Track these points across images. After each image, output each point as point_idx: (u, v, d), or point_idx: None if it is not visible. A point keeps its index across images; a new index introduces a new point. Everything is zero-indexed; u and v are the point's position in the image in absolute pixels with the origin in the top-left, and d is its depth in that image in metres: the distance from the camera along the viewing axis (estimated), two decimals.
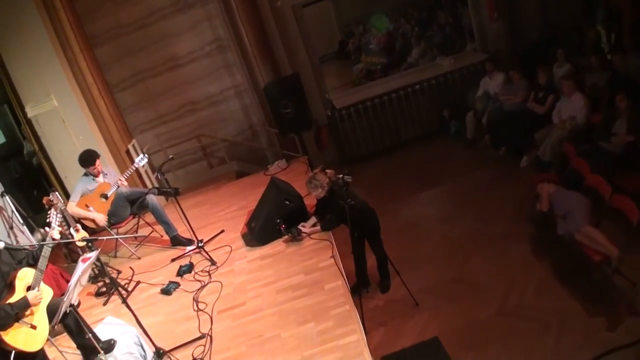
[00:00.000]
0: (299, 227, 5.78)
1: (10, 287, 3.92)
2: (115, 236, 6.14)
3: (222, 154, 9.57)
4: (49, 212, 4.51)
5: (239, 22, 8.83)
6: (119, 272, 6.32)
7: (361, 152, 9.69)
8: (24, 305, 3.85)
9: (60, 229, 4.36)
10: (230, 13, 8.87)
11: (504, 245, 6.46)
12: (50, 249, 4.09)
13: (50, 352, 4.44)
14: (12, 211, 6.59)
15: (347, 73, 13.70)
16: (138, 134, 9.20)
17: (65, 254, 7.04)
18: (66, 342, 5.19)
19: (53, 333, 5.27)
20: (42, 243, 4.14)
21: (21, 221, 6.63)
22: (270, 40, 9.07)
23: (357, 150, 9.67)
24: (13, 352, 3.75)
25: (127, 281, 6.10)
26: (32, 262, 4.15)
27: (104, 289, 6.11)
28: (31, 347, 3.84)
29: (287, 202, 5.88)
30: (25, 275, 3.97)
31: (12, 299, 3.85)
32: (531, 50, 9.30)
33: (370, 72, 12.67)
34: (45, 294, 4.07)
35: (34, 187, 8.86)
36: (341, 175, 5.32)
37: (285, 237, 5.88)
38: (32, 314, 3.93)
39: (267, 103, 8.39)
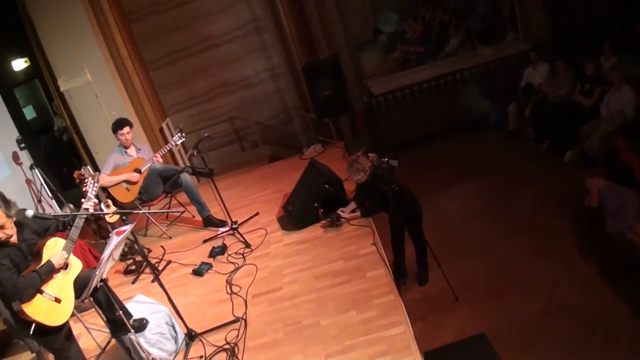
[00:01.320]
0: (338, 212, 5.48)
1: (37, 256, 3.68)
2: (148, 211, 5.91)
3: (255, 137, 9.30)
4: (85, 181, 4.24)
5: (278, 2, 8.53)
6: (149, 250, 6.11)
7: (397, 140, 9.33)
8: (49, 268, 3.59)
9: (95, 200, 4.10)
10: None
11: (548, 241, 6.10)
12: (82, 220, 3.86)
13: (75, 327, 4.27)
14: (42, 184, 6.39)
15: (383, 61, 13.31)
16: (171, 114, 8.98)
17: (95, 230, 6.85)
18: (92, 318, 5.03)
19: (80, 309, 5.09)
20: (75, 213, 3.89)
21: (50, 195, 6.43)
22: (309, 22, 8.76)
23: (393, 138, 9.33)
24: (33, 324, 3.50)
25: (158, 260, 5.88)
26: (62, 229, 3.94)
27: (133, 267, 5.91)
28: (53, 320, 3.59)
29: (326, 186, 5.59)
30: (55, 245, 3.73)
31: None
32: (577, 41, 8.87)
33: (406, 61, 12.28)
34: (75, 266, 3.86)
35: (64, 163, 8.70)
36: (386, 159, 5.02)
37: (323, 222, 5.59)
38: (57, 286, 3.69)
39: (304, 86, 8.11)
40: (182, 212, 6.51)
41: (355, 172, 5.29)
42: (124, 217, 3.98)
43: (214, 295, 5.02)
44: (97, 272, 3.62)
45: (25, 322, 3.50)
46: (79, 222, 3.81)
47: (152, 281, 5.56)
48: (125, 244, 6.32)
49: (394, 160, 5.00)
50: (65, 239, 3.77)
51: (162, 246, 6.22)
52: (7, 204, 3.59)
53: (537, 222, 6.52)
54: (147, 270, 5.82)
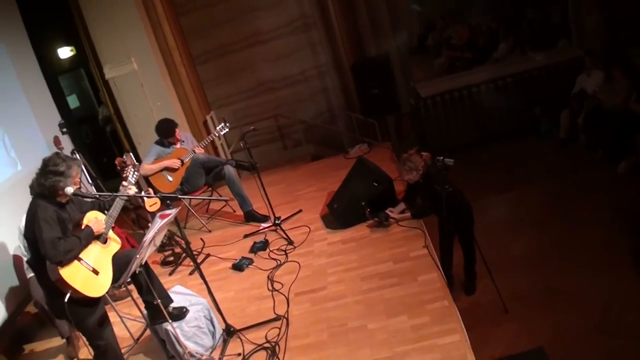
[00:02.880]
0: (387, 211, 5.14)
1: (78, 227, 3.57)
2: (191, 197, 5.68)
3: (299, 135, 9.03)
4: (125, 169, 4.06)
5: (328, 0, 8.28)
6: (188, 242, 5.83)
7: (444, 144, 8.92)
8: (89, 234, 3.52)
9: (134, 187, 3.91)
10: None
11: (603, 254, 5.63)
12: (123, 202, 3.77)
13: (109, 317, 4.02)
14: (82, 170, 6.19)
15: (427, 67, 12.94)
16: (215, 109, 8.77)
17: (134, 220, 6.66)
18: (126, 308, 4.82)
19: (114, 297, 4.90)
20: (115, 194, 3.74)
21: (90, 181, 6.24)
22: (358, 21, 8.48)
23: (439, 142, 8.93)
24: (68, 293, 3.33)
25: (197, 253, 5.64)
26: (103, 210, 3.82)
27: (171, 258, 5.69)
28: (90, 291, 3.44)
29: (375, 184, 5.26)
30: (94, 216, 3.64)
31: None
32: (633, 47, 8.40)
33: (453, 66, 11.87)
34: (113, 242, 3.73)
35: (104, 153, 8.58)
36: (441, 158, 4.65)
37: (370, 221, 5.27)
38: (95, 257, 3.56)
39: (350, 85, 7.85)
40: (227, 201, 6.24)
41: (408, 171, 4.97)
42: (168, 202, 3.74)
43: (254, 292, 4.75)
44: (137, 256, 3.38)
45: (60, 293, 3.35)
46: (120, 202, 3.72)
47: (190, 274, 5.35)
48: (165, 235, 6.12)
49: (450, 159, 4.63)
50: None
51: (201, 238, 6.00)
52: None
53: (590, 234, 6.05)
54: (185, 262, 5.60)
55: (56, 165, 3.43)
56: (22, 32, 6.32)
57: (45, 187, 3.42)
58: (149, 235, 3.39)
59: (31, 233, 3.38)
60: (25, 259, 4.69)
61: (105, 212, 3.76)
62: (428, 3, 14.57)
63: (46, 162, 3.48)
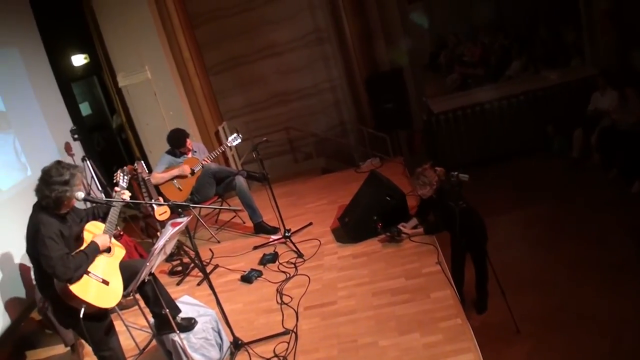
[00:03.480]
0: (399, 226, 5.04)
1: (79, 239, 3.47)
2: (202, 206, 5.60)
3: (310, 149, 8.97)
4: (115, 174, 3.96)
5: (342, 13, 8.25)
6: (197, 252, 5.74)
7: (455, 161, 8.80)
8: (94, 249, 3.40)
9: (129, 193, 3.82)
10: (334, 2, 8.29)
11: (616, 276, 5.50)
12: (120, 208, 3.68)
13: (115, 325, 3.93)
14: (92, 177, 6.17)
15: (439, 84, 12.88)
16: (227, 120, 8.73)
17: (142, 229, 6.58)
18: (132, 317, 4.73)
19: (121, 306, 4.80)
20: (111, 199, 3.69)
21: (100, 188, 6.18)
22: (372, 35, 8.43)
23: (451, 158, 8.82)
24: (83, 308, 3.24)
25: (205, 263, 5.54)
26: (98, 217, 3.74)
27: (179, 268, 5.59)
28: (104, 302, 3.36)
29: (388, 198, 5.16)
30: (93, 227, 3.56)
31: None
32: None
33: (464, 84, 11.80)
34: (117, 250, 3.64)
35: (115, 162, 8.52)
36: (455, 173, 4.56)
37: (382, 236, 5.15)
38: (103, 268, 3.47)
39: (362, 99, 7.80)
40: (237, 211, 6.16)
41: (421, 186, 4.88)
42: (179, 210, 3.66)
43: (263, 304, 4.64)
44: (147, 264, 3.30)
45: (71, 309, 3.27)
46: (117, 208, 3.63)
47: (198, 284, 5.26)
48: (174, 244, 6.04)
49: (465, 174, 4.53)
50: None
51: (210, 249, 5.91)
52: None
53: (603, 255, 5.92)
54: (193, 272, 5.51)
55: (60, 175, 3.28)
56: (36, 36, 6.31)
57: (51, 199, 3.27)
58: (159, 243, 3.31)
59: (34, 249, 3.26)
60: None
61: (101, 220, 3.68)
62: (440, 20, 14.66)
63: (48, 172, 3.31)
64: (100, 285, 3.37)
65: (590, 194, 7.35)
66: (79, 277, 3.25)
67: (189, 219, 3.53)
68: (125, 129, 7.77)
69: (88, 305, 3.24)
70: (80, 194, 3.36)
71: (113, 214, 3.62)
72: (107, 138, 9.00)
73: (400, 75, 7.18)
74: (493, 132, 8.76)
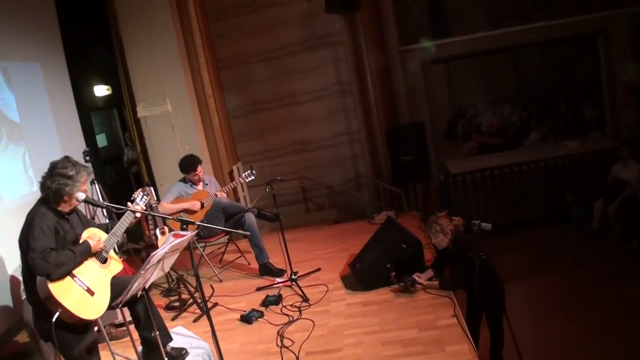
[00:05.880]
0: (414, 276, 4.63)
1: (75, 243, 3.17)
2: (206, 224, 5.20)
3: (323, 200, 8.68)
4: (135, 191, 3.68)
5: (366, 68, 8.17)
6: (196, 289, 5.34)
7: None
8: (85, 249, 3.10)
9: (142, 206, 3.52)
10: (359, 58, 8.22)
11: (638, 348, 5.06)
12: (129, 221, 3.34)
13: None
14: (99, 199, 5.86)
15: (456, 152, 12.68)
16: (243, 164, 8.49)
17: (143, 259, 6.17)
18: (120, 348, 4.30)
19: (111, 336, 4.39)
20: (110, 205, 3.42)
21: (105, 214, 5.86)
22: (394, 92, 8.28)
23: (467, 221, 8.47)
24: (58, 312, 2.90)
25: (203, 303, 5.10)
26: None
27: (176, 304, 5.16)
28: (82, 312, 2.99)
29: (404, 246, 4.77)
30: (93, 234, 3.24)
31: None
32: None
33: (482, 151, 11.56)
34: (114, 263, 3.30)
35: (125, 195, 8.25)
36: (477, 222, 4.18)
37: (395, 286, 4.73)
38: (92, 277, 3.14)
39: (380, 154, 7.62)
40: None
41: (434, 234, 4.54)
42: (184, 226, 3.32)
43: (261, 346, 4.19)
44: (141, 272, 2.92)
45: (49, 312, 2.93)
46: (126, 221, 3.29)
47: (194, 321, 4.83)
48: (172, 279, 5.64)
49: (487, 224, 4.15)
50: None
51: (211, 285, 5.50)
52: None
53: (625, 328, 5.48)
54: (190, 309, 5.08)
55: (65, 168, 3.12)
56: (61, 55, 6.19)
57: (51, 190, 3.09)
58: (159, 252, 2.94)
59: (24, 240, 3.03)
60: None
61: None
62: (458, 87, 14.64)
63: (55, 165, 3.17)
64: (83, 293, 3.02)
65: (611, 265, 7.00)
66: (60, 276, 2.95)
67: (193, 233, 3.18)
68: (138, 161, 7.52)
69: (64, 310, 2.90)
70: (81, 195, 3.14)
71: (120, 226, 3.34)
72: (119, 171, 8.78)
73: (421, 128, 6.96)
74: (510, 198, 8.47)
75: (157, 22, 6.86)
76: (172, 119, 6.96)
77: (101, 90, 8.36)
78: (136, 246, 6.56)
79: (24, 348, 4.52)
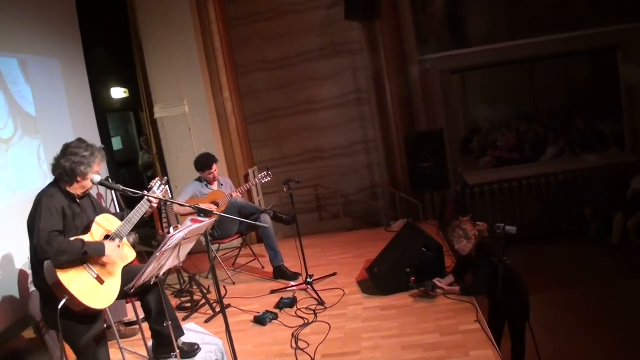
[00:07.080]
0: (435, 281, 4.42)
1: (86, 229, 3.02)
2: (221, 214, 5.11)
3: (337, 209, 8.49)
4: (153, 180, 3.57)
5: (385, 77, 8.01)
6: (208, 290, 5.17)
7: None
8: (97, 250, 2.90)
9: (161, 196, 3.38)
10: (378, 66, 8.09)
11: None
12: (145, 209, 3.26)
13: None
14: (112, 199, 5.73)
15: (470, 168, 12.45)
16: (259, 168, 8.36)
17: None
18: (129, 345, 4.13)
19: (121, 334, 4.23)
20: (126, 189, 3.24)
21: (118, 211, 5.72)
22: (413, 101, 8.12)
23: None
24: (64, 299, 2.74)
25: (216, 301, 4.92)
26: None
27: (188, 305, 4.99)
28: (89, 300, 2.81)
29: (424, 249, 4.57)
30: (105, 220, 3.12)
31: (86, 238, 2.94)
32: None
33: (499, 165, 11.32)
34: (127, 250, 3.15)
35: (137, 199, 8.11)
36: (502, 225, 3.98)
37: (414, 291, 4.53)
38: (104, 265, 2.97)
39: (396, 163, 7.50)
40: (252, 261, 5.60)
41: (457, 239, 4.35)
42: (201, 215, 3.17)
43: (275, 348, 4.01)
44: (157, 254, 2.74)
45: (55, 299, 2.76)
46: (142, 208, 3.19)
47: (206, 321, 4.66)
48: (184, 280, 5.48)
49: (512, 227, 3.95)
50: None
51: (224, 286, 5.33)
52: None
53: None
54: (202, 310, 4.91)
55: (79, 148, 3.01)
56: (80, 53, 6.08)
57: (65, 170, 2.95)
58: (177, 234, 2.76)
59: (31, 220, 2.89)
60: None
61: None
62: (473, 102, 14.43)
63: (69, 145, 3.06)
64: (92, 281, 2.87)
65: (632, 280, 6.69)
66: (61, 262, 2.77)
67: (211, 221, 3.02)
68: (154, 163, 7.38)
69: (71, 297, 2.73)
70: (97, 177, 3.03)
71: (135, 214, 3.22)
72: (134, 175, 8.64)
73: (441, 135, 6.77)
74: (528, 210, 8.22)
75: (177, 23, 6.78)
76: (189, 120, 6.85)
77: (118, 93, 8.27)
78: (148, 249, 6.41)
79: (30, 344, 4.36)
